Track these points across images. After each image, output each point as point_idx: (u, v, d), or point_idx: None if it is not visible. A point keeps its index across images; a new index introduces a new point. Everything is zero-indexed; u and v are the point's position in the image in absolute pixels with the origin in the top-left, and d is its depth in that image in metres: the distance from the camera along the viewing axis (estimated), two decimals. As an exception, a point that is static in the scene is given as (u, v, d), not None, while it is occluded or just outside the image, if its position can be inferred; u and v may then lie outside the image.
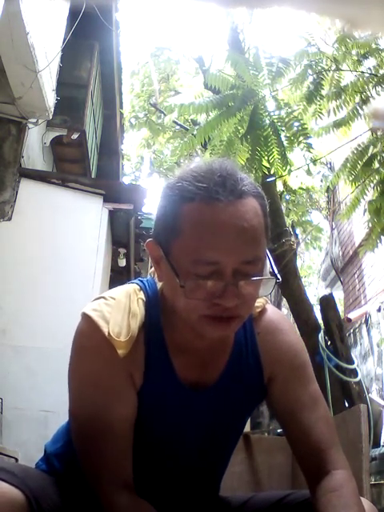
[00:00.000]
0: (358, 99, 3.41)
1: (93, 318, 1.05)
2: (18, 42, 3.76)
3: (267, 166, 3.43)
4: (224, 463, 1.28)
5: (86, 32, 5.37)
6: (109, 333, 1.03)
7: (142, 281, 1.16)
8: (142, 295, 1.12)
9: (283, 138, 3.36)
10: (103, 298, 1.10)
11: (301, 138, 3.32)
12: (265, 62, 3.34)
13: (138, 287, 1.13)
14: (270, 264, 1.04)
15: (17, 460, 3.36)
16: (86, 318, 1.07)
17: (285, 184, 6.56)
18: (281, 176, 3.71)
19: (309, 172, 7.07)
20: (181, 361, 1.11)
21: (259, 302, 1.17)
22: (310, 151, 3.47)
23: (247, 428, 8.40)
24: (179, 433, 1.15)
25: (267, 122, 3.34)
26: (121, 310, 1.07)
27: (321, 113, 3.42)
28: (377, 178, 3.60)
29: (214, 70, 4.48)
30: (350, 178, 3.64)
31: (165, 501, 1.17)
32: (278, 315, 1.24)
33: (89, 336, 1.06)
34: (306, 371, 1.20)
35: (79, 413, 1.09)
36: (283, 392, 1.16)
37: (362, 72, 3.38)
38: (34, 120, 4.76)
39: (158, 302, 1.12)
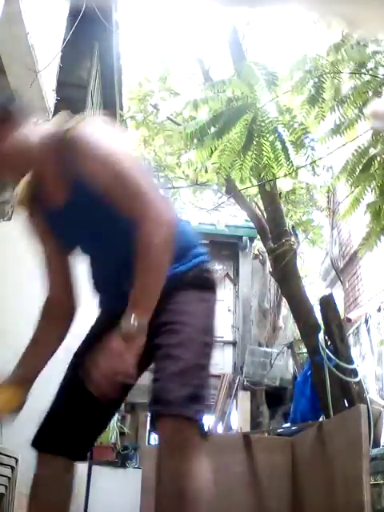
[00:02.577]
0: (359, 104, 3.42)
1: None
2: (18, 41, 3.76)
3: (274, 171, 3.47)
4: (121, 248, 1.56)
5: (86, 32, 5.36)
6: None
7: None
8: None
9: (287, 142, 3.39)
10: None
11: (302, 140, 3.34)
12: (260, 72, 3.38)
13: None
14: None
15: (17, 460, 3.36)
16: None
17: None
18: (288, 175, 3.74)
19: (313, 172, 7.05)
20: (46, 195, 1.60)
21: (70, 123, 1.55)
22: (310, 152, 3.49)
23: (247, 428, 8.37)
24: (65, 231, 1.65)
25: (269, 128, 3.36)
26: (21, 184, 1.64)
27: (324, 116, 3.44)
28: (376, 180, 3.61)
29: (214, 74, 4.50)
30: (350, 181, 3.66)
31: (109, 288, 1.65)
32: (89, 129, 1.52)
33: None
34: (100, 157, 1.48)
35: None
36: (90, 182, 1.48)
37: (364, 73, 3.39)
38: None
39: None
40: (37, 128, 1.63)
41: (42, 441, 1.63)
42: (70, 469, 1.64)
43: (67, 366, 1.73)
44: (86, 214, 1.55)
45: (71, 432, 1.63)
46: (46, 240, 1.69)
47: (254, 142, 3.36)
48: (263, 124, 3.33)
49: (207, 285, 1.62)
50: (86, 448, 1.70)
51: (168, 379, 1.39)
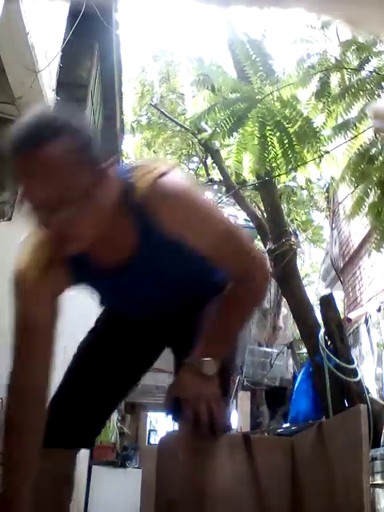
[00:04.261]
0: (363, 101, 3.42)
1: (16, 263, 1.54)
2: (18, 41, 3.76)
3: (275, 165, 3.46)
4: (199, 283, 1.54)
5: (86, 32, 5.36)
6: (17, 269, 1.51)
7: None
8: None
9: (292, 135, 3.38)
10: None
11: (306, 130, 3.33)
12: (257, 59, 3.37)
13: None
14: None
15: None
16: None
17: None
18: (284, 173, 3.73)
19: (317, 165, 7.03)
20: (97, 256, 1.41)
21: (150, 173, 1.35)
22: (319, 145, 3.47)
23: (247, 428, 8.38)
24: (131, 295, 1.52)
25: (269, 120, 3.35)
26: (27, 249, 1.53)
27: (330, 111, 3.43)
28: (377, 178, 3.61)
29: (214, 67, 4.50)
30: (353, 180, 3.66)
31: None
32: (169, 184, 1.36)
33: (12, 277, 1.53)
34: (205, 218, 1.38)
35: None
36: (193, 243, 1.38)
37: (370, 71, 3.38)
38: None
39: None
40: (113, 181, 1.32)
41: (53, 437, 1.56)
42: (73, 459, 1.65)
43: (70, 363, 1.70)
44: (160, 269, 1.45)
45: (79, 420, 1.62)
46: (50, 303, 1.47)
47: (258, 135, 3.35)
48: (266, 117, 3.31)
49: None
50: (95, 432, 1.70)
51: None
